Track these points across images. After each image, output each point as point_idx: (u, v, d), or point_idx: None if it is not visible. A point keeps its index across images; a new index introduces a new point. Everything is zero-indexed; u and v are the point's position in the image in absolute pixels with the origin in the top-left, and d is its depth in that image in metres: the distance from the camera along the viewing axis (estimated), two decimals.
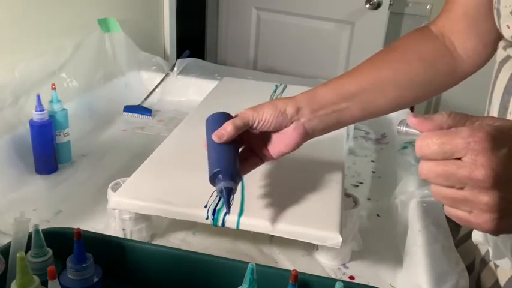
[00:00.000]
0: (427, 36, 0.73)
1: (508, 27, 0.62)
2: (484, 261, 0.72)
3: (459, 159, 0.40)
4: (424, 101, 0.75)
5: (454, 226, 0.80)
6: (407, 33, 0.74)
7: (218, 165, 0.60)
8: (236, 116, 0.64)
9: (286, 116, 0.63)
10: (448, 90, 0.75)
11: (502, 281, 0.68)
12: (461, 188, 0.41)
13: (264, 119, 0.63)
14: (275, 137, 0.65)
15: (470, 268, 0.74)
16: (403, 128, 0.48)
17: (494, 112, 0.66)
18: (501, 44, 0.66)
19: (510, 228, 0.42)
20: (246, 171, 0.66)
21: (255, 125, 0.63)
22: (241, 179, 0.63)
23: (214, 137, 0.62)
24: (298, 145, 0.65)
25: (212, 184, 0.61)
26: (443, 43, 0.71)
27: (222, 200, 0.62)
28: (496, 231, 0.42)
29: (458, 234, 0.82)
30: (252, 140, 0.66)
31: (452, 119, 0.42)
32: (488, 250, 0.71)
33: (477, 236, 0.56)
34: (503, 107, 0.64)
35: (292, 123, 0.64)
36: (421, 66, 0.70)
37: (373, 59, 0.71)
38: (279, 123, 0.63)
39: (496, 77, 0.66)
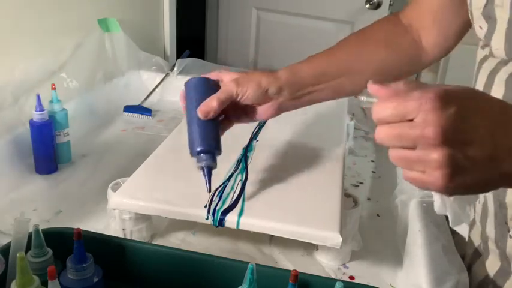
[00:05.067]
0: (397, 25, 0.77)
1: (481, 28, 0.64)
2: (477, 254, 0.73)
3: (412, 121, 0.42)
4: None
5: None
6: (378, 21, 0.79)
7: (201, 144, 0.63)
8: (216, 82, 0.70)
9: (267, 95, 0.68)
10: None
11: (491, 273, 0.69)
12: (415, 149, 0.43)
13: (247, 95, 0.67)
14: (250, 107, 0.70)
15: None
16: (364, 98, 0.51)
17: None
18: (480, 43, 0.68)
19: (461, 187, 0.43)
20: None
21: (238, 98, 0.67)
22: (221, 152, 0.66)
23: (200, 114, 0.65)
24: (270, 118, 0.72)
25: (192, 156, 0.64)
26: (411, 33, 0.76)
27: (205, 178, 0.65)
28: (447, 188, 0.43)
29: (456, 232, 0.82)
30: (228, 108, 0.68)
31: (407, 86, 0.44)
32: (480, 243, 0.72)
33: (437, 205, 0.56)
34: None
35: (270, 101, 0.69)
36: (389, 54, 0.76)
37: (348, 43, 0.77)
38: (260, 100, 0.68)
39: (476, 75, 0.68)
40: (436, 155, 0.41)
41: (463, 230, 0.59)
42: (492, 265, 0.69)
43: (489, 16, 0.62)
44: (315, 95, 0.72)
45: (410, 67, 0.78)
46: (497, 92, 0.62)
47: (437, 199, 0.55)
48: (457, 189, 0.44)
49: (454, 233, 0.80)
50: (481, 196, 0.69)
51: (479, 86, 0.66)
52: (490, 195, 0.67)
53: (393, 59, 0.76)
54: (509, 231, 0.64)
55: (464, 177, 0.42)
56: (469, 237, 0.75)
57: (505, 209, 0.64)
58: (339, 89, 0.74)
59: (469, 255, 0.74)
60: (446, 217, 0.79)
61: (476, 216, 0.72)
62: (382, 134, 0.44)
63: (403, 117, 0.43)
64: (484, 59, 0.66)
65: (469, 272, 0.71)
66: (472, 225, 0.75)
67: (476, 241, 0.73)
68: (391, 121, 0.43)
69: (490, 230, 0.68)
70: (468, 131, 0.42)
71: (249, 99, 0.67)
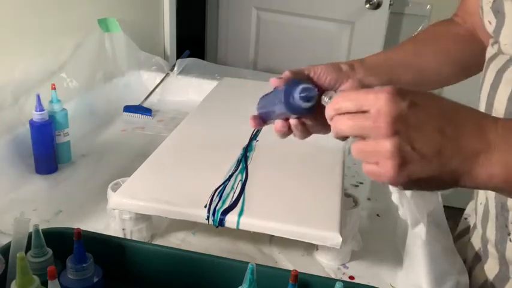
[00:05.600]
0: (454, 23, 0.77)
1: (490, 23, 0.63)
2: (477, 258, 0.72)
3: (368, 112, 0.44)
4: (463, 80, 0.78)
5: (451, 225, 0.80)
6: (433, 23, 0.79)
7: (303, 91, 0.54)
8: None
9: (341, 70, 0.64)
10: (450, 89, 0.77)
11: (490, 277, 0.69)
12: (370, 139, 0.44)
13: (319, 71, 0.62)
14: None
15: None
16: (326, 99, 0.51)
17: (481, 108, 0.66)
18: (490, 40, 0.66)
19: (411, 180, 0.44)
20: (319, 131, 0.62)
21: (310, 75, 0.62)
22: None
23: (273, 81, 0.61)
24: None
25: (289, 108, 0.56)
26: (467, 28, 0.75)
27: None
28: (398, 180, 0.44)
29: (454, 233, 0.82)
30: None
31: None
32: (480, 247, 0.71)
33: (394, 198, 0.56)
34: (489, 104, 0.64)
35: (348, 79, 0.59)
36: (455, 43, 0.75)
37: (411, 40, 0.76)
38: (335, 77, 0.62)
39: (485, 73, 0.66)
40: (388, 145, 0.43)
41: (420, 231, 0.59)
42: (491, 269, 0.69)
43: (498, 10, 0.61)
44: (393, 75, 0.68)
45: (476, 57, 0.72)
46: (504, 91, 0.61)
47: (396, 195, 0.55)
48: (409, 183, 0.45)
49: (455, 237, 0.80)
50: (482, 197, 0.69)
51: (487, 85, 0.65)
52: (491, 196, 0.66)
53: (458, 46, 0.75)
54: (509, 234, 0.64)
55: (412, 170, 0.43)
56: (469, 241, 0.75)
57: (506, 211, 0.63)
58: (420, 68, 0.71)
59: (469, 260, 0.74)
60: (447, 217, 0.79)
61: (477, 218, 0.71)
62: (340, 123, 0.46)
63: (360, 107, 0.45)
64: (493, 57, 0.65)
65: (469, 277, 0.70)
66: (472, 229, 0.75)
67: (477, 245, 0.72)
68: (348, 111, 0.46)
69: (491, 233, 0.67)
70: (418, 125, 0.43)
71: (323, 76, 0.61)
